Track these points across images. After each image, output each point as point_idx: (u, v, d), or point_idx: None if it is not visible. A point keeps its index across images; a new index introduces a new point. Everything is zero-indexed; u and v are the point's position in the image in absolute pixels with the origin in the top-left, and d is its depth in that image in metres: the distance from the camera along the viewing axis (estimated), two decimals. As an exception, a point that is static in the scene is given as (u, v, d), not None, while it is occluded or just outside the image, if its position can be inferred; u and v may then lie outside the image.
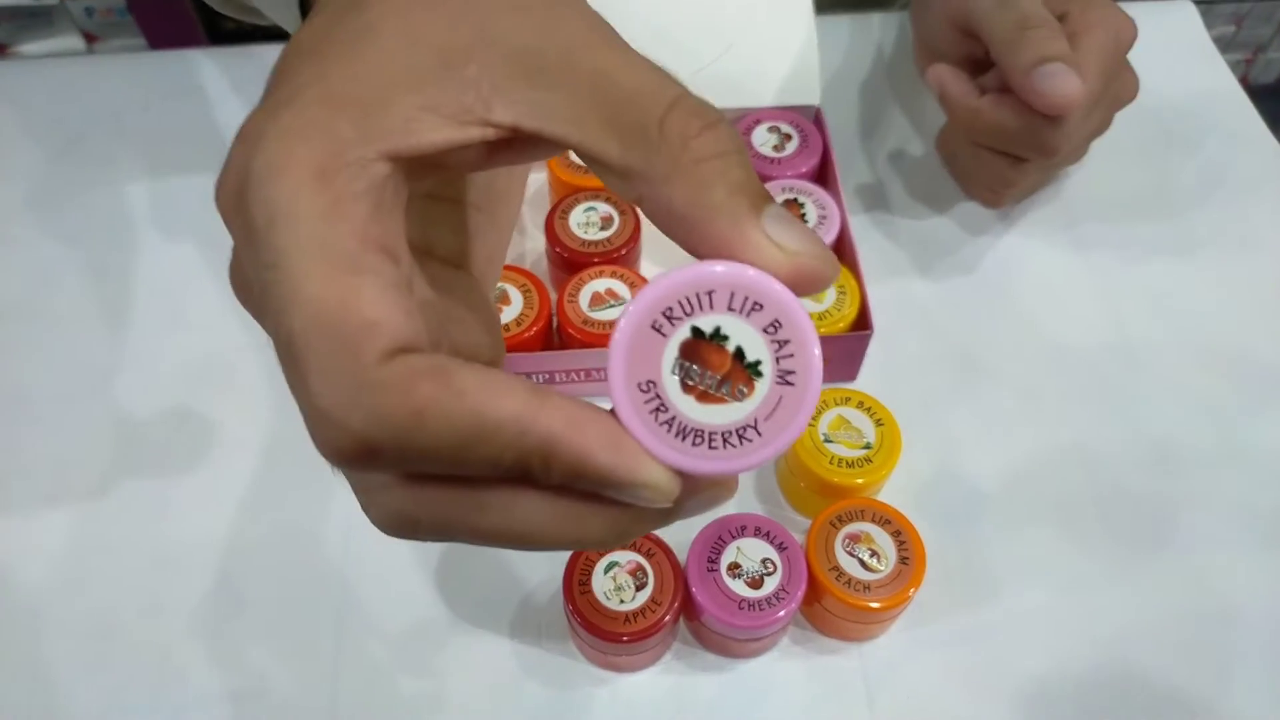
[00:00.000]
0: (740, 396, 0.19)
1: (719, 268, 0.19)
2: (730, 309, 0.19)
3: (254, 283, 0.19)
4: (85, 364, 0.45)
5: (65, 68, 0.56)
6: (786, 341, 0.19)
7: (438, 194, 0.24)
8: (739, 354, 0.19)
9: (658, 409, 0.19)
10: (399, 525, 0.20)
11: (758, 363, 0.19)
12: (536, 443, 0.18)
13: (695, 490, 0.20)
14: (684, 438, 0.19)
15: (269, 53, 0.56)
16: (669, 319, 0.19)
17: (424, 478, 0.19)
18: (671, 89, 0.19)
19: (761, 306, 0.19)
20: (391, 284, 0.18)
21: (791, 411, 0.19)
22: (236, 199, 0.19)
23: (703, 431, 0.19)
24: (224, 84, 0.54)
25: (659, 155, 0.19)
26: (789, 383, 0.19)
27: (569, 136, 0.19)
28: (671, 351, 0.19)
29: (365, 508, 0.20)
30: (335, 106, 0.19)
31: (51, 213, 0.49)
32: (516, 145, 0.20)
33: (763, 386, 0.19)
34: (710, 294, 0.19)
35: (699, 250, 0.19)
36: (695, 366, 0.19)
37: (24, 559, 0.40)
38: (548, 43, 0.19)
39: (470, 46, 0.19)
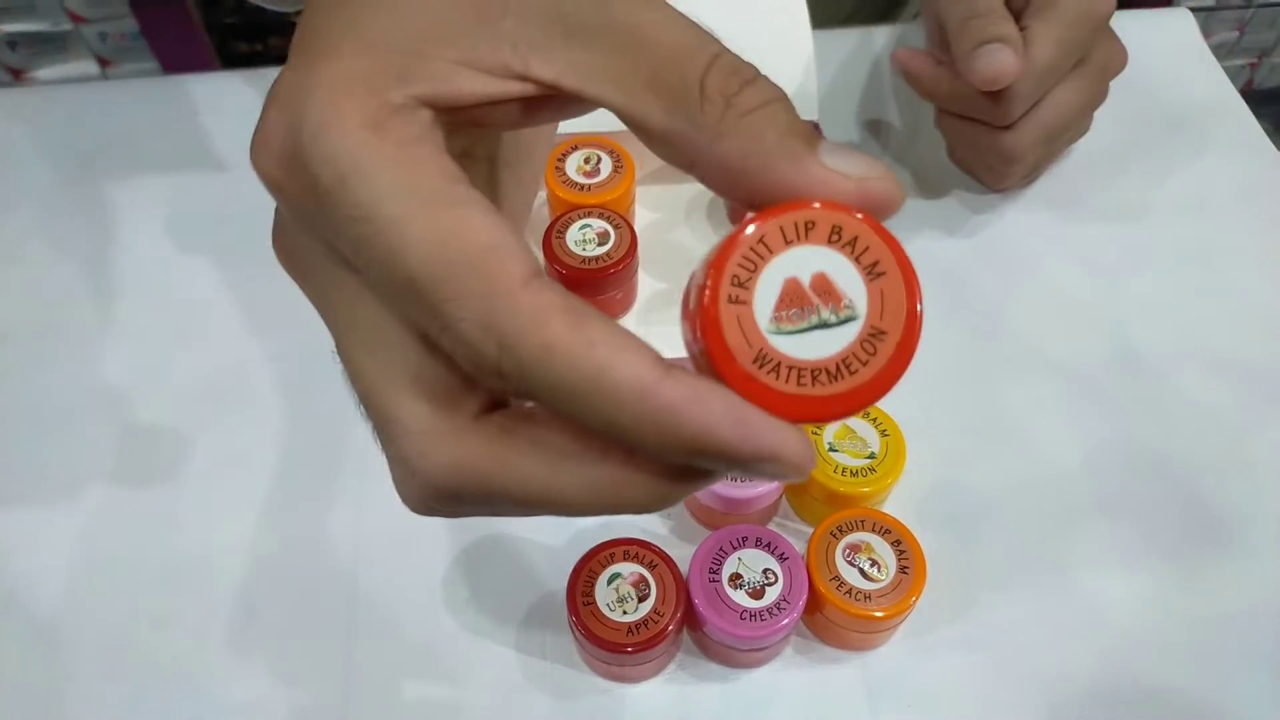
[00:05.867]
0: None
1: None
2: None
3: (331, 242, 0.19)
4: (97, 380, 0.45)
5: (79, 92, 0.57)
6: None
7: (470, 152, 0.23)
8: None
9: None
10: (447, 484, 0.19)
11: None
12: (656, 411, 0.17)
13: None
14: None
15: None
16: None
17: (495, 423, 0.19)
18: (710, 47, 0.19)
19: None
20: (492, 210, 0.18)
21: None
22: (290, 161, 0.18)
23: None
24: (235, 107, 0.55)
25: (704, 117, 0.18)
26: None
27: (610, 99, 0.19)
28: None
29: (410, 472, 0.19)
30: (373, 57, 0.18)
31: (64, 234, 0.50)
32: (555, 103, 0.20)
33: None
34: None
35: (763, 199, 0.19)
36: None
37: (37, 572, 0.40)
38: None
39: (504, 1, 0.19)
